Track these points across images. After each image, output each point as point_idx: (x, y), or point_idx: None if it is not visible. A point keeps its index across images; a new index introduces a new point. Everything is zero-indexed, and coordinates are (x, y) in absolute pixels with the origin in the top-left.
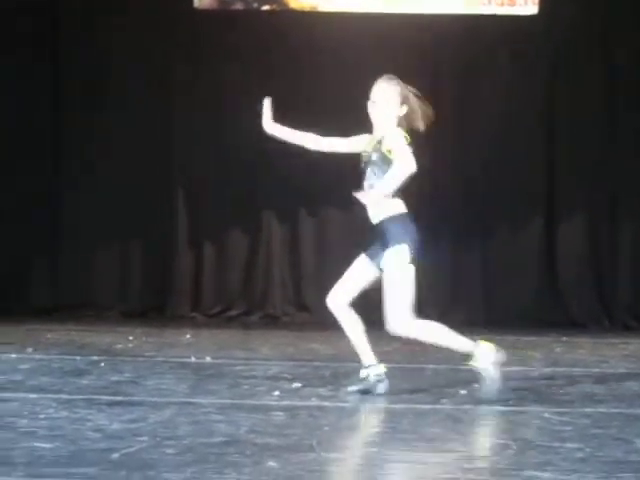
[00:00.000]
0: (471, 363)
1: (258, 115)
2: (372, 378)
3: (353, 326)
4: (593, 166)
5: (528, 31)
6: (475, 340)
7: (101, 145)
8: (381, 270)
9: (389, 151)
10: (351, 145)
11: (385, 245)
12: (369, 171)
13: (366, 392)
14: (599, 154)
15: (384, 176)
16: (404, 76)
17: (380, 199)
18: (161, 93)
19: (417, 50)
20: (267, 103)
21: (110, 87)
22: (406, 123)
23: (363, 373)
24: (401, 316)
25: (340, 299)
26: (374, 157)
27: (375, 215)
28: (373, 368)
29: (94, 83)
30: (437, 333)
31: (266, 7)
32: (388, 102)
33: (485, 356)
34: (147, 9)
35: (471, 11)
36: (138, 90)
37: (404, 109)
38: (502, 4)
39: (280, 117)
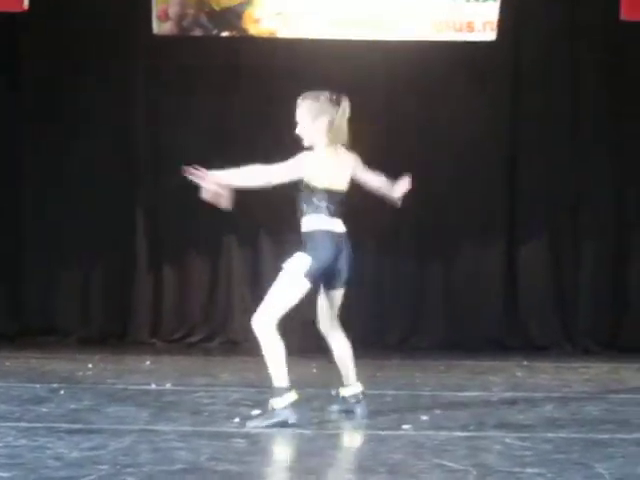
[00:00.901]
0: (271, 399)
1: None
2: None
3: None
4: (555, 190)
5: (487, 57)
6: (291, 389)
7: (60, 170)
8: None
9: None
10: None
11: (348, 260)
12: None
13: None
14: (561, 178)
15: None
16: (365, 101)
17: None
18: (122, 117)
19: (377, 76)
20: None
21: (70, 110)
22: (333, 138)
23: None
24: (266, 316)
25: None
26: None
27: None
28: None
29: (53, 108)
30: (272, 353)
31: (226, 33)
32: (302, 120)
33: (281, 401)
34: (107, 35)
35: (430, 38)
36: (99, 114)
37: (321, 123)
38: (460, 30)
39: (242, 142)
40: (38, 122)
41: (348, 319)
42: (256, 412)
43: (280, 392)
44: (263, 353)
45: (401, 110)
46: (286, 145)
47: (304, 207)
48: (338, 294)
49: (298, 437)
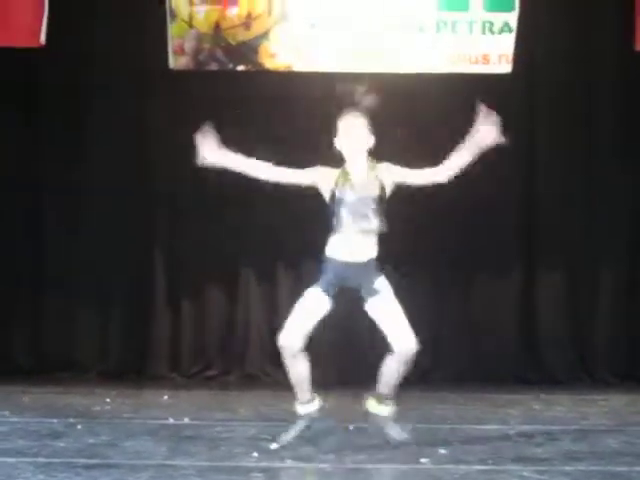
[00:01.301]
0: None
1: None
2: None
3: None
4: (572, 225)
5: (502, 89)
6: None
7: (79, 204)
8: (372, 294)
9: (393, 185)
10: (306, 176)
11: (369, 276)
12: (367, 208)
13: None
14: (577, 213)
15: (379, 215)
16: (381, 133)
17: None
18: (138, 152)
19: (393, 108)
20: (207, 130)
21: (86, 146)
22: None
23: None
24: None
25: None
26: (372, 194)
27: (366, 253)
28: None
29: (71, 142)
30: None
31: (241, 67)
32: (366, 135)
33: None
34: (122, 69)
35: (445, 70)
36: (113, 149)
37: (372, 141)
38: (476, 62)
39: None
40: (53, 159)
41: (366, 352)
42: (275, 446)
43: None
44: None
45: (417, 142)
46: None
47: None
48: None
49: (316, 472)
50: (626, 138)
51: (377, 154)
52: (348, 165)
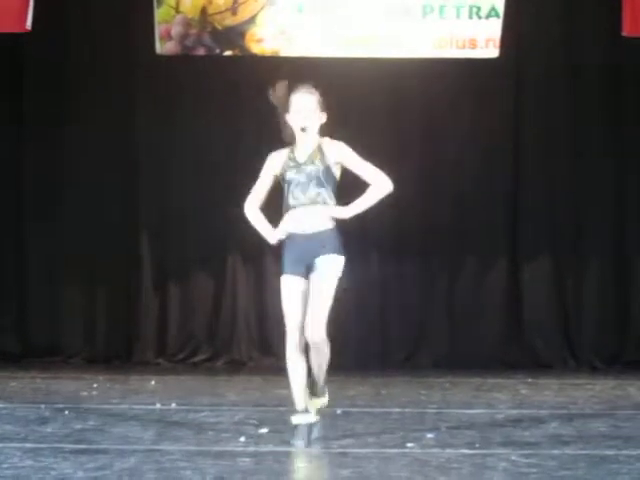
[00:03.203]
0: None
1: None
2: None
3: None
4: (558, 209)
5: (489, 74)
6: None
7: (63, 189)
8: (314, 275)
9: (338, 165)
10: (269, 176)
11: (321, 252)
12: (310, 184)
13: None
14: (564, 197)
15: (330, 188)
16: (368, 119)
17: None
18: (124, 137)
19: (379, 93)
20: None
21: (73, 129)
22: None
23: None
24: (324, 325)
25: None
26: (317, 170)
27: (318, 224)
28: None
29: (56, 127)
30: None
31: (229, 52)
32: (317, 111)
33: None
34: (108, 55)
35: (432, 55)
36: (101, 133)
37: (324, 118)
38: (463, 47)
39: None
40: (39, 145)
41: (350, 336)
42: (263, 430)
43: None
44: (325, 362)
45: (404, 127)
46: None
47: (332, 199)
48: None
49: (303, 456)
50: (613, 122)
51: (360, 139)
52: (297, 141)
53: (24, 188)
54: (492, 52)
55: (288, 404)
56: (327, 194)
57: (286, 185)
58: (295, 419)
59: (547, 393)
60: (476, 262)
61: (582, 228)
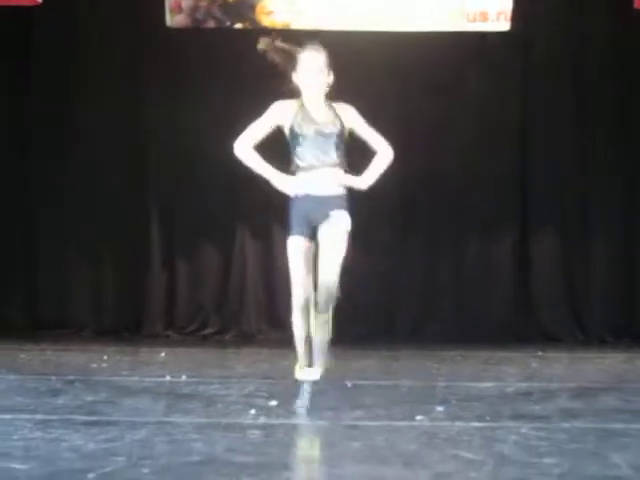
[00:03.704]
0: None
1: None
2: None
3: None
4: (566, 181)
5: (500, 47)
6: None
7: (76, 162)
8: (325, 226)
9: (348, 128)
10: (270, 121)
11: (332, 208)
12: (326, 144)
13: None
14: (572, 169)
15: (344, 152)
16: (379, 92)
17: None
18: (134, 110)
19: (390, 67)
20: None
21: (81, 104)
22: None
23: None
24: (339, 270)
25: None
26: (335, 131)
27: (331, 188)
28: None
29: (65, 102)
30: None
31: (239, 25)
32: (326, 70)
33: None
34: (118, 27)
35: (443, 28)
36: (110, 108)
37: (331, 78)
38: (474, 20)
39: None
40: (47, 121)
41: (358, 309)
42: (273, 403)
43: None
44: (330, 316)
45: (414, 100)
46: None
47: (345, 164)
48: None
49: (314, 428)
50: (622, 94)
51: (369, 112)
52: (306, 100)
53: (34, 159)
54: (503, 25)
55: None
56: (343, 158)
57: (299, 139)
58: (299, 374)
59: (557, 366)
60: (484, 236)
61: (591, 202)
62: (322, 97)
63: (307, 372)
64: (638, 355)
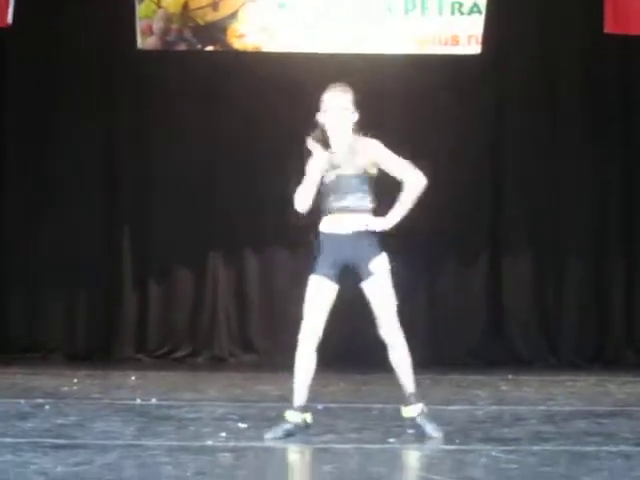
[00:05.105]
0: None
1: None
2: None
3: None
4: (539, 203)
5: (472, 70)
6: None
7: (45, 186)
8: (367, 276)
9: (373, 164)
10: (320, 169)
11: (366, 254)
12: (348, 188)
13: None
14: (545, 192)
15: (369, 189)
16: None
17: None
18: (106, 133)
19: (361, 90)
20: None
21: (54, 126)
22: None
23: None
24: (398, 324)
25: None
26: (354, 173)
27: (356, 226)
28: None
29: (37, 123)
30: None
31: (210, 48)
32: (351, 109)
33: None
34: (90, 50)
35: (414, 51)
36: (81, 130)
37: (356, 116)
38: (445, 44)
39: (228, 155)
40: (21, 140)
41: (331, 334)
42: (244, 426)
43: None
44: (406, 363)
45: (386, 124)
46: (274, 156)
47: (372, 201)
48: None
49: (284, 451)
50: (595, 118)
51: None
52: (331, 140)
53: (6, 184)
54: (474, 48)
55: (268, 400)
56: (367, 198)
57: (324, 187)
58: (289, 415)
59: (527, 390)
60: (457, 260)
61: (563, 227)
62: (347, 136)
63: (298, 415)
64: (609, 378)
